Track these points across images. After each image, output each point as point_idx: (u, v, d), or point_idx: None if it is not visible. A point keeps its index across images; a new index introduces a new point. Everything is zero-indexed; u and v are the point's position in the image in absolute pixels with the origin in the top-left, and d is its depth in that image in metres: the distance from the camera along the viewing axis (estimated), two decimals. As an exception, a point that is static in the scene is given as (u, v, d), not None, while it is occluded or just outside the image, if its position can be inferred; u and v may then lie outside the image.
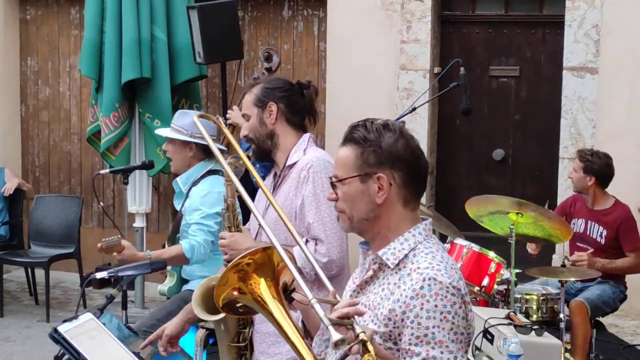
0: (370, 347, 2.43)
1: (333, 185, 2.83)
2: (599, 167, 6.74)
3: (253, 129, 4.12)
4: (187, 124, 5.58)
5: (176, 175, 9.31)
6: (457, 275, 2.70)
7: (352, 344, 2.43)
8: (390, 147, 2.75)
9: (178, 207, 5.81)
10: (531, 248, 6.86)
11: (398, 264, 2.73)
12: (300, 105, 4.12)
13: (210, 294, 4.40)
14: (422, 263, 2.68)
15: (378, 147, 2.75)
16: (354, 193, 2.78)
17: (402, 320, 2.63)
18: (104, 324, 3.32)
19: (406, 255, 2.73)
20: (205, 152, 5.72)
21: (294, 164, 4.00)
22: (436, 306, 2.60)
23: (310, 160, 3.94)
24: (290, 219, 3.86)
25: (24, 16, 10.40)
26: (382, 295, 2.72)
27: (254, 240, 4.04)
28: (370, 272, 2.80)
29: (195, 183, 5.61)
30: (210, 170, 5.65)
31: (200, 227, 5.40)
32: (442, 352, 2.59)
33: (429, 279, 2.63)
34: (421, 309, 2.61)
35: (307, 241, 3.89)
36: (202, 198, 5.45)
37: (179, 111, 5.83)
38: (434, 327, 2.59)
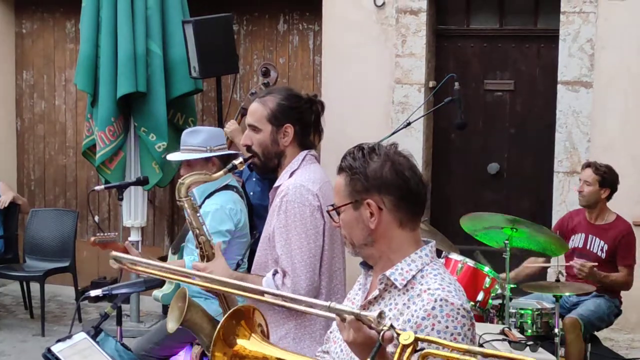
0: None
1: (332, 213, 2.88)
2: (612, 179, 6.83)
3: (262, 145, 3.95)
4: (202, 140, 5.51)
5: (172, 187, 9.26)
6: (465, 297, 2.72)
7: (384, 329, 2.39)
8: (375, 172, 2.78)
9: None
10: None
11: (406, 285, 2.73)
12: (310, 123, 4.00)
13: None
14: (432, 284, 2.69)
15: (363, 174, 2.78)
16: (350, 220, 2.82)
17: None
18: (98, 342, 3.31)
19: (414, 276, 2.74)
20: (224, 164, 5.65)
21: (279, 186, 3.90)
22: (447, 327, 2.60)
23: (287, 187, 3.81)
24: (267, 245, 3.84)
25: (19, 30, 10.41)
26: (391, 315, 2.71)
27: (229, 269, 3.90)
28: (377, 292, 2.80)
29: (209, 195, 5.58)
30: (226, 185, 5.62)
31: None
32: None
33: (441, 299, 2.63)
34: (432, 329, 2.60)
35: (275, 272, 3.77)
36: (212, 213, 5.42)
37: (187, 131, 5.70)
38: None
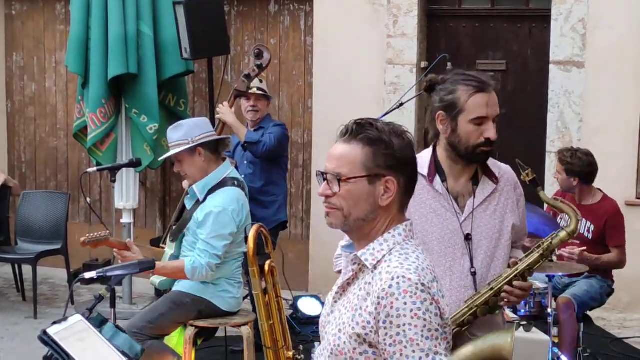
0: None
1: (328, 180, 2.72)
2: (580, 169, 6.68)
3: None
4: (183, 133, 5.53)
5: (164, 169, 9.25)
6: (431, 276, 2.65)
7: None
8: (400, 151, 2.70)
9: (189, 206, 5.76)
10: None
11: (375, 265, 2.69)
12: None
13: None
14: (393, 262, 2.65)
15: (391, 149, 2.70)
16: (360, 192, 2.70)
17: (378, 321, 2.60)
18: (104, 334, 3.29)
19: (384, 256, 2.70)
20: (215, 151, 5.64)
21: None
22: (405, 304, 2.56)
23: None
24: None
25: (9, 12, 10.36)
26: (359, 295, 2.69)
27: None
28: (351, 273, 2.78)
29: (211, 191, 5.57)
30: (226, 178, 5.60)
31: (207, 248, 5.39)
32: (413, 351, 2.55)
33: (398, 277, 2.59)
34: (391, 307, 2.57)
35: None
36: (216, 216, 5.43)
37: (170, 127, 5.72)
38: (404, 325, 2.55)
